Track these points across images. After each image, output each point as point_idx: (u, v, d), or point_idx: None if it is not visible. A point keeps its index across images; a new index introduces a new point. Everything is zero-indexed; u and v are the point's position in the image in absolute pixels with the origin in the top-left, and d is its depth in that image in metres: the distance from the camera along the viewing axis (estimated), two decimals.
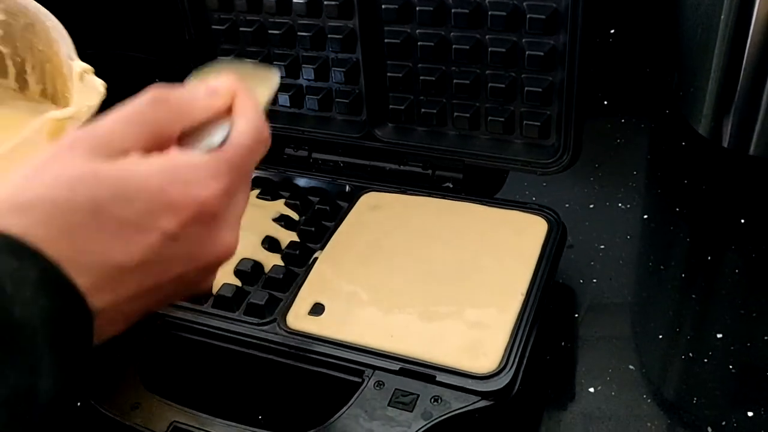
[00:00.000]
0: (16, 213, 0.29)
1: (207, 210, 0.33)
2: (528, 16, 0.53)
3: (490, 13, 0.54)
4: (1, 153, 0.49)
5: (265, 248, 0.57)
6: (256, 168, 0.65)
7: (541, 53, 0.54)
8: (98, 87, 0.54)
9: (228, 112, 0.36)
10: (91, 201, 0.30)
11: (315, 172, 0.64)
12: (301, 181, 0.64)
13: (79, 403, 0.52)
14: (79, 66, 0.56)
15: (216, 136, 0.35)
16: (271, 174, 0.64)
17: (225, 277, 0.54)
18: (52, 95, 0.64)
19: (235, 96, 0.37)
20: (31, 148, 0.51)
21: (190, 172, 0.33)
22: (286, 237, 0.58)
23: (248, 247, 0.56)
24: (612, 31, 0.84)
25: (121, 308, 0.32)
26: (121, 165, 0.32)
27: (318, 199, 0.62)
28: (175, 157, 0.33)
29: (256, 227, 0.58)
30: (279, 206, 0.61)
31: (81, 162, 0.31)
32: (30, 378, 0.28)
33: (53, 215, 0.30)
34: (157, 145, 0.34)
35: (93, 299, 0.30)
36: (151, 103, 0.34)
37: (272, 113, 0.66)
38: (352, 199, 0.61)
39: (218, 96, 0.36)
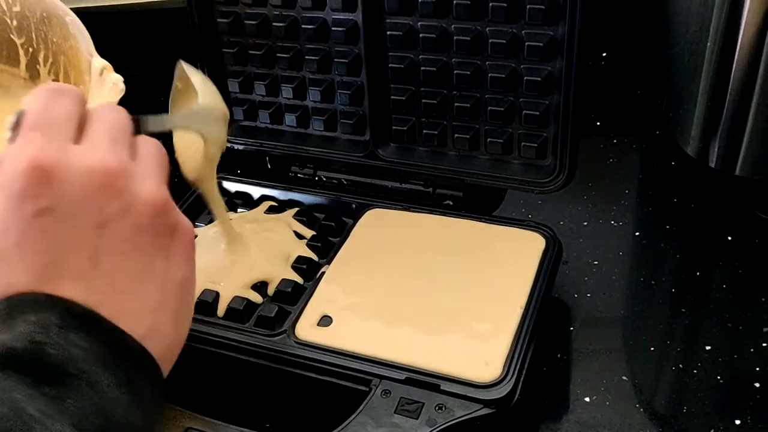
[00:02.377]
0: None
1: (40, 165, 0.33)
2: (526, 43, 0.56)
3: (490, 40, 0.56)
4: None
5: None
6: (263, 185, 0.68)
7: (539, 78, 0.56)
8: (118, 84, 0.54)
9: None
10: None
11: (320, 190, 0.66)
12: (307, 199, 0.65)
13: None
14: (99, 62, 0.56)
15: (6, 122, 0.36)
16: (278, 191, 0.66)
17: (236, 290, 0.56)
18: None
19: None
20: None
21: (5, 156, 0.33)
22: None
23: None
24: (604, 54, 0.87)
25: (129, 304, 0.34)
26: None
27: (323, 215, 0.64)
28: None
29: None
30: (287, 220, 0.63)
31: None
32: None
33: None
34: None
35: (103, 310, 0.32)
36: None
37: (279, 133, 0.68)
38: (357, 215, 0.63)
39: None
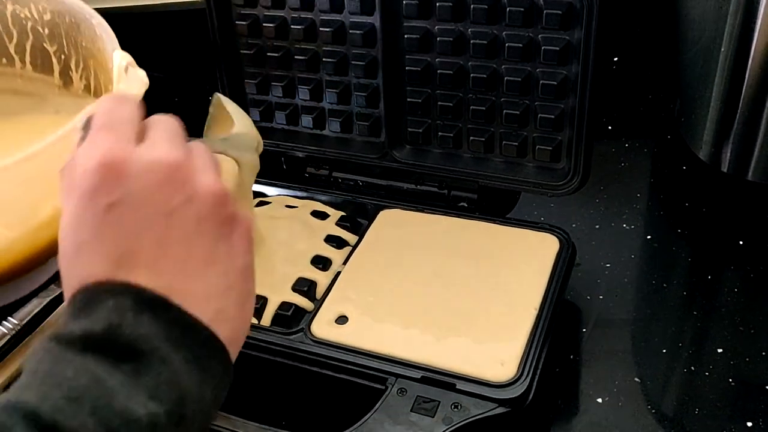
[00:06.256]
0: None
1: (110, 162, 0.35)
2: (543, 47, 0.56)
3: (507, 44, 0.57)
4: (52, 139, 0.49)
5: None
6: (279, 185, 0.68)
7: (554, 82, 0.57)
8: (141, 77, 0.55)
9: None
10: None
11: (336, 191, 0.67)
12: (322, 199, 0.66)
13: None
14: (124, 59, 0.57)
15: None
16: (294, 192, 0.67)
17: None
18: (95, 90, 0.66)
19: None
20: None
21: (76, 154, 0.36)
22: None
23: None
24: (616, 58, 0.88)
25: (196, 288, 0.35)
26: None
27: (339, 216, 0.64)
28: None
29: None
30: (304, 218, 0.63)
31: None
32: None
33: None
34: None
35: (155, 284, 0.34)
36: None
37: (295, 134, 0.69)
38: (372, 216, 0.63)
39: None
